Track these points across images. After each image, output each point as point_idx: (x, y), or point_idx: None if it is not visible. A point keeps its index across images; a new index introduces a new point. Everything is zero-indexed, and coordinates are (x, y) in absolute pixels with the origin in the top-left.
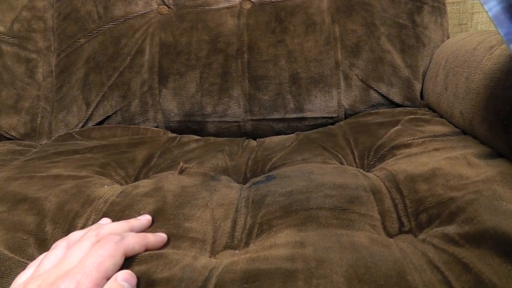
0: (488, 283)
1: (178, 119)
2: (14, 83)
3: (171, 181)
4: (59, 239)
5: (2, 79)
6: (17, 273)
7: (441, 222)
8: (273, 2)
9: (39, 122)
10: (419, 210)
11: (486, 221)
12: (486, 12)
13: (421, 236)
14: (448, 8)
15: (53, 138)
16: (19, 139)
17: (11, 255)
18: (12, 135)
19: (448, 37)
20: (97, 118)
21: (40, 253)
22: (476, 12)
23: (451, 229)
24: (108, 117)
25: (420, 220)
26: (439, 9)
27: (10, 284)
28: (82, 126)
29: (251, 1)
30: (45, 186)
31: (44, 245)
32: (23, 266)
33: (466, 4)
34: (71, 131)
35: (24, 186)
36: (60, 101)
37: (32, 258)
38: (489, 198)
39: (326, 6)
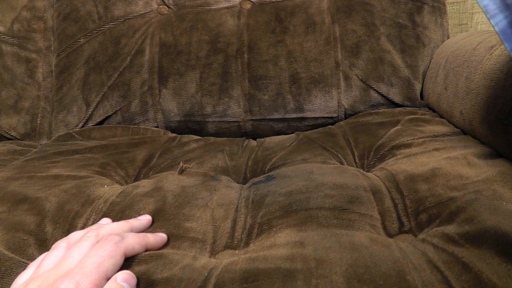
0: (488, 282)
1: (178, 119)
2: (14, 83)
3: (171, 181)
4: (59, 239)
5: (2, 79)
6: (17, 274)
7: (441, 221)
8: (273, 2)
9: (39, 122)
10: (419, 210)
11: (486, 221)
12: (493, 27)
13: (421, 236)
14: (448, 8)
15: (53, 138)
16: (19, 139)
17: (12, 255)
18: (12, 135)
19: (448, 37)
20: (97, 118)
21: (40, 253)
22: (476, 12)
23: (451, 228)
24: (108, 117)
25: (420, 220)
26: (439, 9)
27: (10, 284)
28: (82, 126)
29: (251, 1)
30: (45, 186)
31: (44, 245)
32: (23, 267)
33: (466, 4)
34: (71, 131)
35: (24, 186)
36: (60, 101)
37: (32, 258)
38: (489, 198)
39: (326, 6)
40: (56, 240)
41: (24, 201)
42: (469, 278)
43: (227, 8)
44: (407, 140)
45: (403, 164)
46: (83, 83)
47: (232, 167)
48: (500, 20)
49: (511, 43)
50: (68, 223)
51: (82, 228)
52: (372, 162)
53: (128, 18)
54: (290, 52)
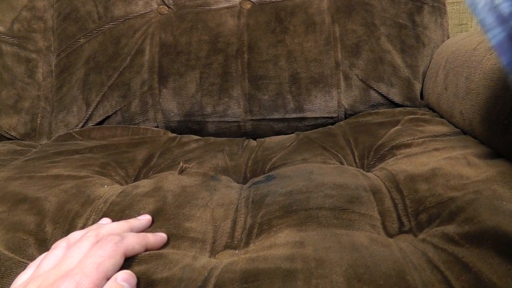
0: (488, 282)
1: (178, 119)
2: (14, 83)
3: (171, 181)
4: (59, 239)
5: (2, 79)
6: (17, 273)
7: (441, 221)
8: (273, 2)
9: (39, 122)
10: (419, 210)
11: (486, 221)
12: (489, 40)
13: (421, 236)
14: (448, 8)
15: (53, 138)
16: (19, 139)
17: (11, 255)
18: (12, 135)
19: (448, 37)
20: (97, 118)
21: (40, 253)
22: None
23: (451, 228)
24: (108, 117)
25: (420, 220)
26: (439, 9)
27: (10, 284)
28: (82, 126)
29: (251, 1)
30: (45, 186)
31: (44, 245)
32: (23, 266)
33: (466, 4)
34: (71, 131)
35: (24, 186)
36: (60, 101)
37: (32, 258)
38: (489, 198)
39: (326, 6)
40: (56, 240)
41: (24, 201)
42: (469, 278)
43: (227, 8)
44: (407, 140)
45: (403, 164)
46: (83, 83)
47: (232, 167)
48: (497, 33)
49: (507, 57)
50: (68, 223)
51: (82, 228)
52: (372, 162)
53: (128, 18)
54: (290, 52)
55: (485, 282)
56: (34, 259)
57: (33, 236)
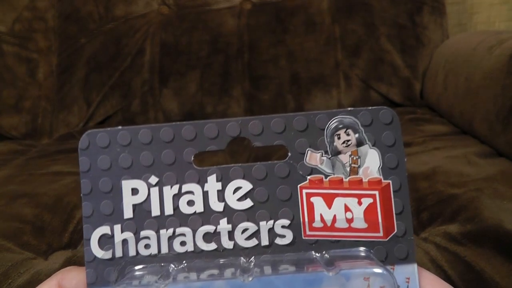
0: (491, 282)
1: (179, 118)
2: (15, 83)
3: None
4: (57, 227)
5: (3, 79)
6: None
7: (443, 220)
8: (273, 2)
9: (40, 121)
10: (420, 208)
11: (487, 220)
12: None
13: (423, 235)
14: (448, 8)
15: (54, 137)
16: (20, 139)
17: (3, 242)
18: (13, 135)
19: (448, 37)
20: (98, 118)
21: (37, 240)
22: (475, 12)
23: (453, 228)
24: (109, 116)
25: (422, 218)
26: (439, 9)
27: None
28: (83, 126)
29: (252, 1)
30: (45, 182)
31: (41, 233)
32: (13, 253)
33: (465, 4)
34: (72, 130)
35: (24, 183)
36: (61, 101)
37: (27, 244)
38: (490, 196)
39: (326, 6)
40: (54, 228)
41: (22, 196)
42: (472, 278)
43: (228, 8)
44: (407, 140)
45: None
46: (84, 83)
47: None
48: None
49: None
50: (66, 213)
51: (81, 219)
52: None
53: (129, 18)
54: (290, 52)
55: (488, 281)
56: (29, 245)
57: (29, 225)
